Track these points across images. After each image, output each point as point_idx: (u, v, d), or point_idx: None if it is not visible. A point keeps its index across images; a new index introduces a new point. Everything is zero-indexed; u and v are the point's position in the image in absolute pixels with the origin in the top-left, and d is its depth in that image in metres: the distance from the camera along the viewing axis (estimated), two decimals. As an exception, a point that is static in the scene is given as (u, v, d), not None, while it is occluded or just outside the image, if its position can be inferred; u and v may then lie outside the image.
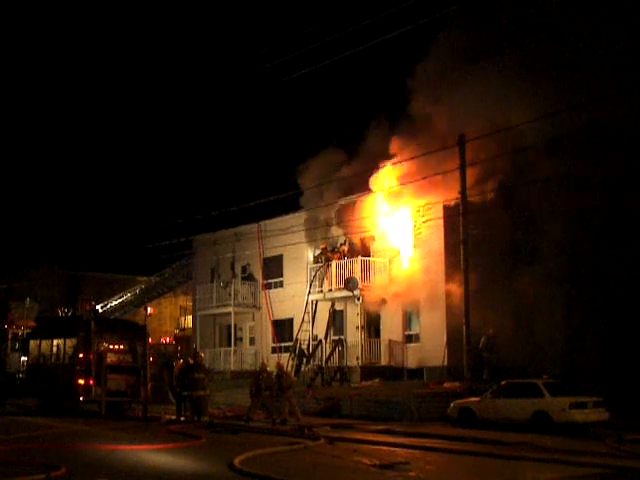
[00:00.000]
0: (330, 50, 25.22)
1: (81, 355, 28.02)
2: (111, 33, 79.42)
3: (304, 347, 34.63)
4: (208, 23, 78.24)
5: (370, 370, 32.39)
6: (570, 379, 24.29)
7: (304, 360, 34.16)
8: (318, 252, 35.51)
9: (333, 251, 34.62)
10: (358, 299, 33.12)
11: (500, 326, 28.78)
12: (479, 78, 27.97)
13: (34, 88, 78.85)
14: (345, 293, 33.37)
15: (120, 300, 50.64)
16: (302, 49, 25.36)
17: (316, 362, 33.68)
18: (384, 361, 32.90)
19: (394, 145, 31.23)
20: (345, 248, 34.53)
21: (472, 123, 27.60)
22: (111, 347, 28.44)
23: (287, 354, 35.20)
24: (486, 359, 28.60)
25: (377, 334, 34.07)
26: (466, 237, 27.49)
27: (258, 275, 39.82)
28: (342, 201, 33.56)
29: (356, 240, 34.38)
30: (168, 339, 48.09)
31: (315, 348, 34.12)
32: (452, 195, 28.41)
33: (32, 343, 31.06)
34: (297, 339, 35.10)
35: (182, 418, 25.25)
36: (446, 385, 28.31)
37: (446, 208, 30.26)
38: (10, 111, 76.72)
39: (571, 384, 23.52)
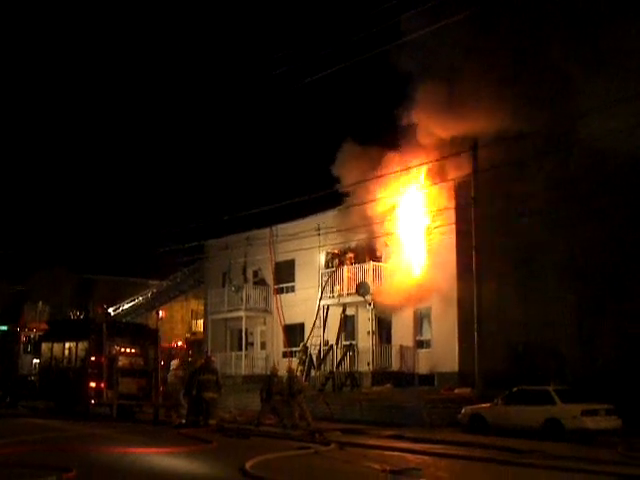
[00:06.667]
0: (341, 56, 25.33)
1: (93, 358, 28.06)
2: (126, 42, 79.73)
3: (314, 352, 34.56)
4: (220, 29, 78.49)
5: (381, 375, 32.35)
6: (581, 386, 24.20)
7: (306, 363, 34.06)
8: (329, 257, 35.50)
9: (344, 254, 34.57)
10: (369, 304, 33.09)
11: (511, 333, 28.72)
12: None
13: (50, 94, 79.24)
14: (356, 298, 33.34)
15: (132, 303, 50.82)
16: (315, 55, 25.49)
17: (326, 367, 33.67)
18: (395, 366, 32.85)
19: (406, 150, 31.18)
20: (351, 255, 34.49)
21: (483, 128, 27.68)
22: (123, 350, 28.50)
23: (296, 359, 35.18)
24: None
25: (388, 339, 34.05)
26: (478, 243, 27.44)
27: (270, 280, 39.87)
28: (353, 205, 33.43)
29: (367, 245, 34.30)
30: (180, 343, 48.19)
31: (326, 353, 34.09)
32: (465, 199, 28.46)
33: (44, 346, 31.11)
34: (305, 345, 35.05)
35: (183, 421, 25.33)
36: (457, 391, 28.28)
37: (458, 213, 30.22)
38: (22, 117, 77.08)
39: (582, 391, 23.42)
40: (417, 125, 30.53)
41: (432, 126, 29.97)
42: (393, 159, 30.79)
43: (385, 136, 32.32)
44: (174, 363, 28.95)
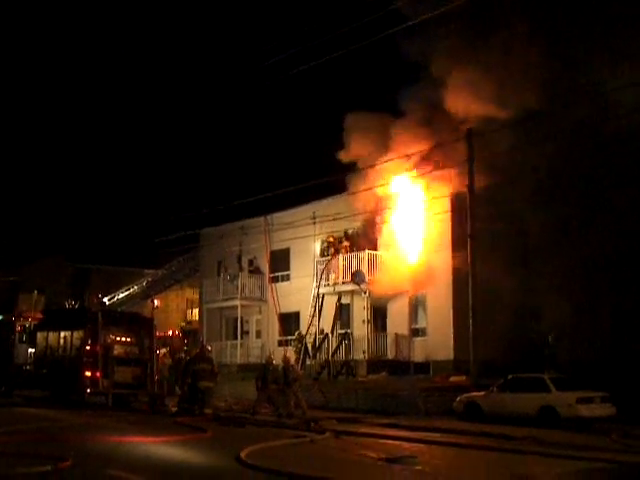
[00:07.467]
0: (334, 44, 25.22)
1: (88, 347, 28.04)
2: (120, 33, 79.38)
3: (309, 341, 34.57)
4: (217, 15, 78.18)
5: (376, 364, 32.38)
6: (576, 374, 24.22)
7: (301, 352, 34.07)
8: (324, 245, 35.49)
9: (340, 243, 34.56)
10: (365, 292, 33.09)
11: (507, 320, 28.72)
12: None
13: (39, 86, 78.98)
14: (352, 287, 33.36)
15: (127, 293, 50.80)
16: (309, 43, 25.36)
17: (322, 356, 33.68)
18: (390, 355, 32.86)
19: (402, 136, 31.05)
20: (347, 244, 34.47)
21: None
22: (118, 339, 28.49)
23: (293, 347, 35.19)
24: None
25: (384, 328, 34.05)
26: (474, 230, 27.42)
27: (265, 268, 39.85)
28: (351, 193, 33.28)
29: (363, 233, 34.28)
30: (170, 332, 48.17)
31: (321, 342, 34.10)
32: (461, 187, 28.42)
33: (39, 335, 31.06)
34: (300, 333, 35.08)
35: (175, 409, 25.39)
36: (452, 379, 28.31)
37: (454, 201, 30.18)
38: (18, 108, 76.80)
39: (577, 379, 23.45)
40: (420, 114, 30.59)
41: (439, 110, 30.04)
42: (394, 142, 30.77)
43: (387, 122, 32.30)
44: (161, 351, 29.03)
